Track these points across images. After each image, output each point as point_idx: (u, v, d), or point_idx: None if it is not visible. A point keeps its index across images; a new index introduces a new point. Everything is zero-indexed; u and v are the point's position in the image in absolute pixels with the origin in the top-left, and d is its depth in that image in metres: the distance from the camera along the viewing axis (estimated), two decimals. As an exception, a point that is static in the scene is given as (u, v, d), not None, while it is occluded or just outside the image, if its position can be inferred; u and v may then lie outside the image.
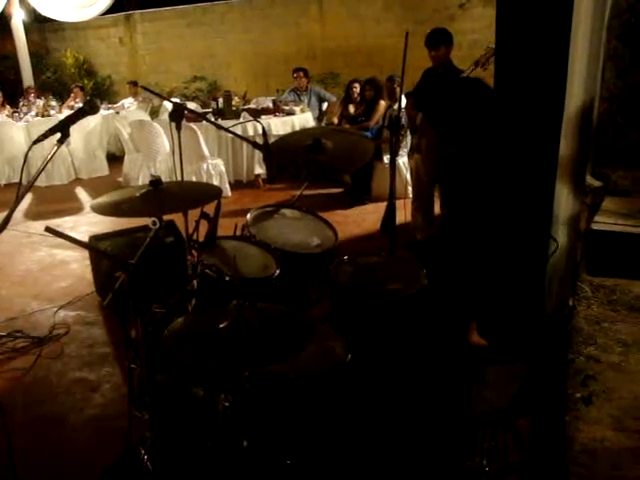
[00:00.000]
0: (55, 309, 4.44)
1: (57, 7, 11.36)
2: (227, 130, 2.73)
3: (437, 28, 5.45)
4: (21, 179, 2.09)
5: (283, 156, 2.59)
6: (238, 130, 7.04)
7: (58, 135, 1.97)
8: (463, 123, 1.94)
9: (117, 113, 10.04)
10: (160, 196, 2.26)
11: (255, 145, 2.62)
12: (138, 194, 2.26)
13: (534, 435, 2.60)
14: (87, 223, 6.75)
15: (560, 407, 2.65)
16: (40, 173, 1.99)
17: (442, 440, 2.00)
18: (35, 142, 1.92)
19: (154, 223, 2.12)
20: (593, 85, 3.39)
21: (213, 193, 2.49)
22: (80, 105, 9.68)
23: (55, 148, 1.95)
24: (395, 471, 2.00)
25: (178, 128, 2.90)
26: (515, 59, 3.74)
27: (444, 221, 2.01)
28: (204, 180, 7.31)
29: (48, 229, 1.85)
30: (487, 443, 2.10)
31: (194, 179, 7.21)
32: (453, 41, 5.42)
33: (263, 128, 2.67)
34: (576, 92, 3.24)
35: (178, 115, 2.89)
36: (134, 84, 11.11)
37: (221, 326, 1.73)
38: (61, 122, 1.97)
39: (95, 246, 4.05)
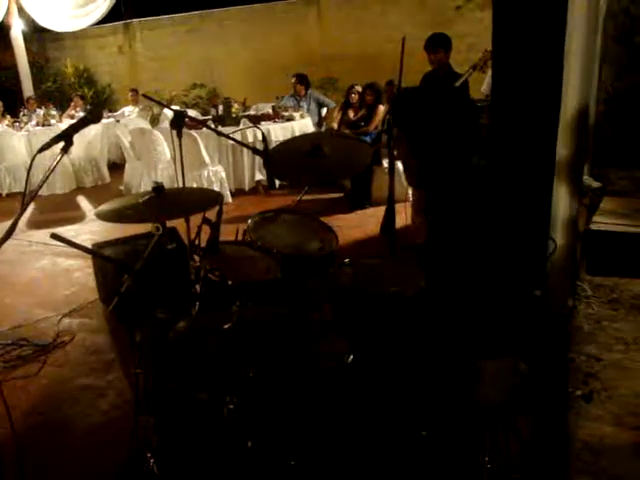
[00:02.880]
0: (59, 317, 4.47)
1: (54, 17, 11.45)
2: (227, 136, 2.76)
3: (436, 32, 5.53)
4: (26, 189, 2.12)
5: (282, 162, 2.62)
6: (238, 136, 7.07)
7: (62, 144, 2.00)
8: (435, 136, 1.95)
9: (117, 121, 10.09)
10: (163, 202, 2.29)
11: (255, 151, 2.65)
12: (141, 200, 2.30)
13: (536, 433, 2.63)
14: (89, 232, 6.78)
15: (561, 405, 2.69)
16: (44, 182, 2.02)
17: (445, 439, 2.02)
18: (39, 151, 1.95)
19: (157, 229, 2.15)
20: (589, 87, 3.43)
21: (215, 198, 2.52)
22: (81, 114, 9.76)
23: (59, 157, 1.98)
24: (399, 471, 2.02)
25: (179, 135, 2.94)
26: (512, 62, 3.78)
27: (429, 227, 2.02)
28: (205, 187, 7.34)
29: (54, 236, 1.88)
30: (489, 441, 2.12)
31: (195, 186, 7.24)
32: (452, 45, 5.50)
33: (263, 134, 2.71)
34: (572, 94, 3.27)
35: (178, 122, 2.93)
36: (135, 92, 11.16)
37: (225, 327, 1.76)
38: (65, 131, 2.00)
39: (99, 252, 4.08)
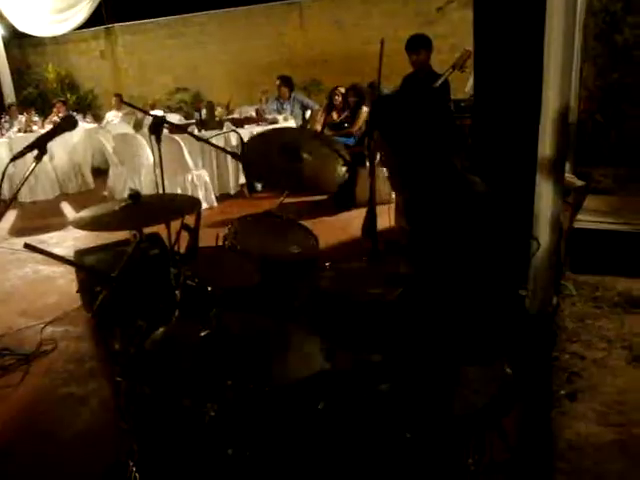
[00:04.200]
0: (42, 325, 4.42)
1: (33, 23, 11.36)
2: (206, 142, 2.75)
3: (417, 33, 5.55)
4: (0, 195, 2.10)
5: (259, 163, 2.60)
6: (221, 140, 7.04)
7: (36, 152, 1.98)
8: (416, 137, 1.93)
9: (101, 127, 10.02)
10: (140, 209, 2.27)
11: (234, 156, 2.64)
12: (118, 208, 2.28)
13: (520, 433, 2.63)
14: (72, 238, 6.72)
15: (546, 404, 2.68)
16: (19, 190, 2.01)
17: (427, 442, 2.01)
18: (12, 159, 1.94)
19: (134, 236, 2.14)
20: (569, 85, 3.43)
21: (192, 204, 2.50)
22: (62, 120, 9.69)
23: (33, 165, 1.96)
24: (383, 473, 2.01)
25: (158, 141, 2.92)
26: (492, 62, 3.79)
27: (410, 235, 2.02)
28: (189, 191, 7.32)
29: (27, 245, 1.86)
30: (472, 442, 2.11)
31: (179, 191, 7.20)
32: (432, 46, 5.51)
33: (241, 138, 2.69)
34: (552, 92, 3.28)
35: (157, 128, 2.91)
36: (119, 97, 11.07)
37: (202, 334, 1.75)
38: (38, 139, 1.98)
39: (79, 261, 4.04)
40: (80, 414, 3.29)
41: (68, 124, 2.08)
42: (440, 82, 5.04)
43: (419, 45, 5.42)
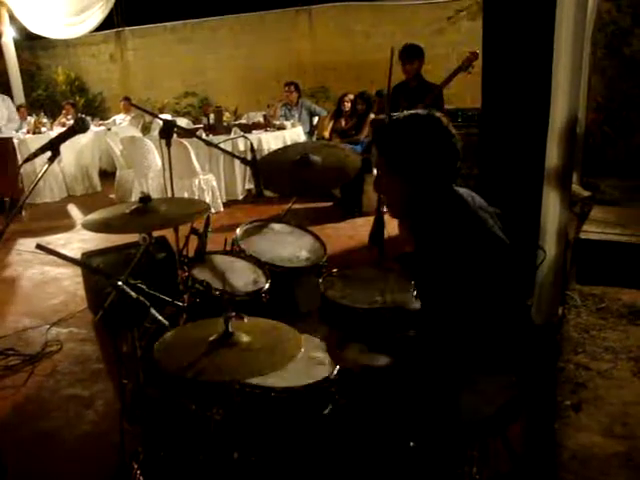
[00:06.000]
0: (47, 326, 4.43)
1: (47, 25, 11.40)
2: (215, 146, 2.76)
3: (412, 43, 5.57)
4: (12, 197, 2.11)
5: (270, 172, 2.62)
6: (229, 145, 7.07)
7: (48, 153, 2.00)
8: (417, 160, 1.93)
9: (109, 129, 10.05)
10: (149, 213, 2.28)
11: (243, 161, 2.65)
12: (128, 211, 2.29)
13: (525, 442, 2.62)
14: (79, 240, 6.74)
15: (550, 415, 2.68)
16: (31, 191, 2.02)
17: (431, 449, 2.01)
18: (25, 161, 1.96)
19: (144, 239, 2.15)
20: (577, 96, 3.44)
21: (202, 209, 2.51)
22: (72, 122, 9.73)
23: (45, 166, 1.97)
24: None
25: (168, 145, 2.94)
26: (501, 72, 3.80)
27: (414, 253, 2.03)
28: (196, 195, 7.32)
29: (39, 246, 1.87)
30: (477, 451, 2.11)
31: (186, 195, 7.21)
32: (424, 57, 5.55)
33: (251, 144, 2.70)
34: (560, 103, 3.29)
35: (168, 132, 2.92)
36: (127, 100, 11.11)
37: (210, 339, 1.75)
38: (51, 141, 2.00)
39: (87, 263, 4.06)
40: (84, 416, 3.29)
41: (81, 126, 2.10)
42: (436, 93, 5.11)
43: (414, 55, 5.45)
